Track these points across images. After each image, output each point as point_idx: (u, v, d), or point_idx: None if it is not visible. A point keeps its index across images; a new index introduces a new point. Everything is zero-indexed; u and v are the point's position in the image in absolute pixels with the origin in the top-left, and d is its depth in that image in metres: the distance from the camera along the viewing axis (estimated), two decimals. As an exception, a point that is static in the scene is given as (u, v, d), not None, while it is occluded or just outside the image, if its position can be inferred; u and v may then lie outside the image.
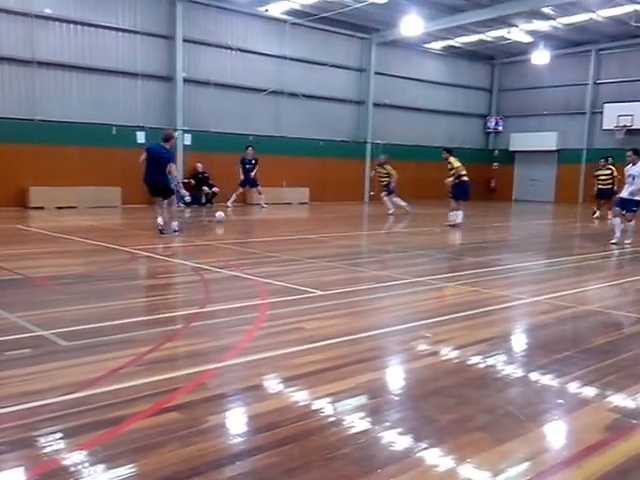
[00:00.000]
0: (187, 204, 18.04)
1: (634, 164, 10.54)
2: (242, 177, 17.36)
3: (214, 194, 18.52)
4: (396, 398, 3.22)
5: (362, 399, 3.13)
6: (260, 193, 17.75)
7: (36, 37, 15.74)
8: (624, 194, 10.56)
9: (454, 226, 12.95)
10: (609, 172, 15.66)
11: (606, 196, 15.50)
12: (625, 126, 22.64)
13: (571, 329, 4.93)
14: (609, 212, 15.14)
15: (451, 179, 13.28)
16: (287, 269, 7.30)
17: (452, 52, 24.41)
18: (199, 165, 18.39)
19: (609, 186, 15.58)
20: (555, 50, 22.58)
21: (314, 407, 3.00)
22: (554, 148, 24.84)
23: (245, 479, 2.32)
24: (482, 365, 3.73)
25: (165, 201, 10.54)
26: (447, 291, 6.11)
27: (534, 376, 3.56)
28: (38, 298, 5.43)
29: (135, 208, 16.56)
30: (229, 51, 19.11)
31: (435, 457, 2.51)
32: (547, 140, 24.78)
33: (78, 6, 16.28)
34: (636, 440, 2.72)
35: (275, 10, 19.22)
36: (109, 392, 3.10)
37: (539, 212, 20.20)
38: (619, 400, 3.19)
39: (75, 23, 16.33)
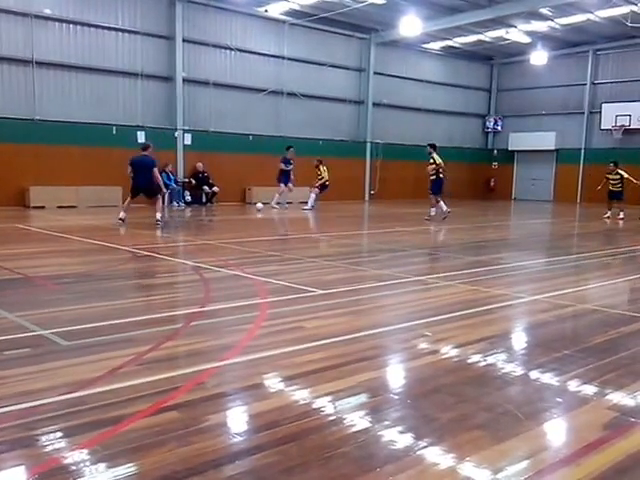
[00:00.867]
0: (188, 203, 18.12)
1: None
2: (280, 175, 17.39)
3: (214, 193, 18.55)
4: (396, 397, 3.22)
5: (362, 398, 3.13)
6: (281, 193, 17.43)
7: (36, 37, 15.75)
8: None
9: (430, 219, 14.24)
10: (618, 177, 16.33)
11: (616, 197, 16.40)
12: (623, 126, 22.68)
13: (570, 328, 4.94)
14: (620, 213, 15.96)
15: (433, 173, 14.46)
16: (288, 268, 7.31)
17: (451, 52, 24.43)
18: (199, 165, 18.42)
19: (619, 188, 16.34)
20: (553, 50, 22.62)
21: (314, 406, 3.00)
22: (553, 148, 24.88)
23: (244, 478, 2.32)
24: (482, 363, 3.73)
25: (153, 199, 12.30)
26: (447, 290, 6.11)
27: (533, 374, 3.56)
28: (38, 297, 5.43)
29: (135, 207, 16.50)
30: (228, 51, 19.13)
31: (434, 456, 2.51)
32: (546, 140, 24.82)
33: (77, 6, 16.30)
34: (635, 438, 2.72)
35: (274, 10, 19.22)
36: (108, 391, 3.10)
37: (538, 211, 20.21)
38: (618, 398, 3.19)
39: (75, 23, 16.34)
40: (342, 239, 10.59)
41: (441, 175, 14.54)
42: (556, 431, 2.88)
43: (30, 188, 15.78)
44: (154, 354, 3.75)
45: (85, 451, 2.47)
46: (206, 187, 18.47)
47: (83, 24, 16.46)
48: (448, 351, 4.00)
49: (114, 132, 17.20)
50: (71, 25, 16.32)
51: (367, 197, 22.93)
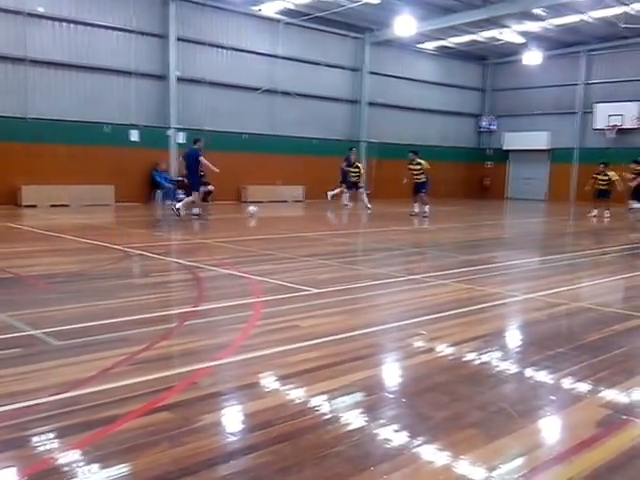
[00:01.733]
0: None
1: None
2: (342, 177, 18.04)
3: (209, 192, 18.47)
4: (391, 395, 3.21)
5: (357, 397, 3.12)
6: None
7: (29, 35, 15.65)
8: None
9: (416, 215, 15.10)
10: (607, 178, 16.59)
11: (604, 196, 16.70)
12: (615, 126, 22.78)
13: (564, 326, 4.95)
14: (605, 212, 16.26)
15: (420, 174, 15.38)
16: (282, 267, 7.29)
17: (445, 52, 24.46)
18: (193, 164, 18.32)
19: (607, 188, 16.65)
20: (546, 51, 22.67)
21: (308, 405, 2.99)
22: (546, 147, 24.96)
23: (238, 478, 2.31)
24: (476, 362, 3.74)
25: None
26: (442, 289, 6.11)
27: (527, 372, 3.56)
28: (30, 297, 5.40)
29: (128, 206, 16.51)
30: (223, 50, 19.08)
31: (429, 454, 2.51)
32: (539, 139, 24.90)
33: (71, 4, 16.21)
34: (627, 435, 2.73)
35: (268, 9, 19.18)
36: (101, 392, 3.08)
37: (532, 210, 20.27)
38: (611, 396, 3.20)
39: (68, 22, 16.25)
40: (337, 238, 10.59)
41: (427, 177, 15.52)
42: (549, 429, 2.88)
43: (22, 187, 15.68)
44: (147, 354, 3.72)
45: (77, 452, 2.45)
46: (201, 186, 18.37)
47: (76, 22, 16.37)
48: (442, 350, 4.00)
49: (107, 130, 17.12)
50: (64, 23, 16.23)
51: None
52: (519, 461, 2.46)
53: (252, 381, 3.31)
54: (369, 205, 16.89)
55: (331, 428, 2.73)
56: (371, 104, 22.78)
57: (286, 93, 20.41)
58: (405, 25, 17.98)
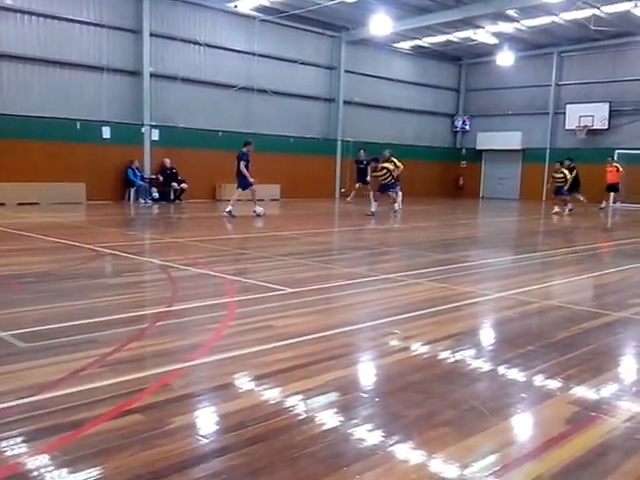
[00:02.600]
0: (155, 200, 17.86)
1: None
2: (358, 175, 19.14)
3: (183, 190, 18.32)
4: (365, 395, 3.22)
5: (331, 397, 3.12)
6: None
7: (-4, 29, 15.31)
8: None
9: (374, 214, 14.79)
10: (562, 175, 17.55)
11: (559, 193, 17.69)
12: (586, 126, 23.22)
13: (535, 324, 5.02)
14: (555, 207, 17.41)
15: (388, 175, 15.19)
16: (257, 266, 7.26)
17: (420, 52, 24.63)
18: (167, 160, 18.17)
19: (562, 184, 17.57)
20: (519, 52, 23.01)
21: (282, 406, 2.97)
22: (519, 147, 25.32)
23: (210, 480, 2.29)
24: (449, 360, 3.77)
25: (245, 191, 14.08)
26: (416, 287, 6.15)
27: (499, 371, 3.61)
28: (-2, 298, 5.28)
29: (100, 204, 16.27)
30: (197, 46, 18.91)
31: (402, 453, 2.52)
32: (512, 139, 25.25)
33: (41, -2, 15.89)
34: (595, 432, 2.78)
35: (244, 6, 19.08)
36: (70, 394, 3.02)
37: (505, 209, 20.55)
38: (580, 393, 3.26)
39: (38, 15, 15.92)
40: (312, 237, 10.58)
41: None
42: (520, 426, 2.92)
43: (-10, 185, 15.35)
44: (118, 355, 3.67)
45: (46, 456, 2.40)
46: (175, 184, 18.22)
47: (46, 16, 16.05)
48: (416, 348, 4.03)
49: (78, 127, 16.83)
50: (34, 17, 15.89)
51: (338, 195, 22.94)
52: (491, 458, 2.48)
53: (225, 382, 3.28)
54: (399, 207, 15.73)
55: (305, 428, 2.72)
56: (347, 103, 22.82)
57: (262, 91, 20.32)
58: (381, 24, 18.06)
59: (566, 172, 17.57)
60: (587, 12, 18.82)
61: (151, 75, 17.86)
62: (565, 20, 20.02)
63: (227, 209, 13.52)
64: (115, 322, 4.47)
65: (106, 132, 17.31)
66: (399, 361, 3.75)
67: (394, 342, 4.18)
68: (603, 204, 19.77)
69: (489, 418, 2.88)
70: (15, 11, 15.58)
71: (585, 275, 7.33)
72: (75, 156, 16.60)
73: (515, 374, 3.55)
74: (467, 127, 27.24)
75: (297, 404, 2.99)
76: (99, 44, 17.04)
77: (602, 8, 18.41)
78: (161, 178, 18.16)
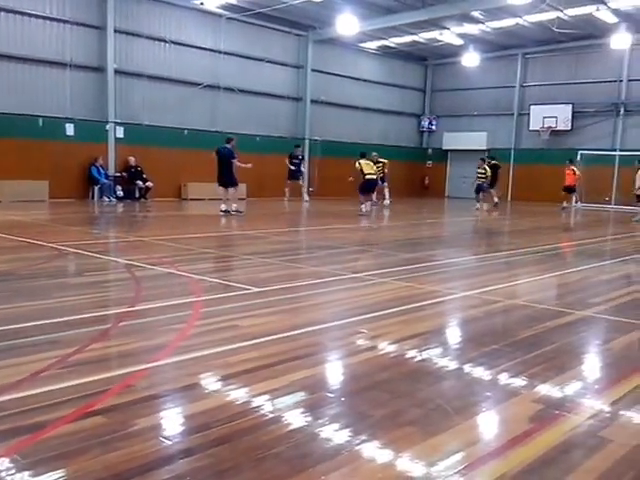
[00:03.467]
0: (119, 199, 17.54)
1: None
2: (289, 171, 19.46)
3: (148, 189, 18.03)
4: (331, 395, 3.21)
5: (296, 397, 3.10)
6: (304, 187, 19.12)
7: (-47, 21, 14.81)
8: None
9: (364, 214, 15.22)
10: (483, 171, 18.89)
11: (480, 189, 18.91)
12: (550, 127, 23.73)
13: (499, 323, 5.10)
14: (477, 204, 18.56)
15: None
16: (223, 266, 7.19)
17: (387, 52, 24.79)
18: (131, 159, 17.86)
19: (483, 181, 18.91)
20: (484, 53, 23.38)
21: (247, 406, 2.95)
22: (484, 147, 25.68)
23: (174, 483, 2.25)
24: (416, 359, 3.79)
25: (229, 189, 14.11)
26: (382, 287, 6.18)
27: (464, 369, 3.64)
28: (-47, 298, 5.10)
29: (63, 202, 15.90)
30: (163, 43, 18.63)
31: (368, 452, 2.52)
32: (477, 140, 25.62)
33: (0, -10, 15.43)
34: (558, 430, 2.83)
35: (210, 4, 18.88)
36: (30, 396, 2.94)
37: (470, 209, 20.82)
38: (543, 391, 3.31)
39: (-2, 9, 15.47)
40: (279, 236, 10.54)
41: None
42: (485, 425, 2.95)
43: (-53, 181, 14.84)
44: (80, 356, 3.58)
45: (4, 460, 2.32)
46: (140, 182, 17.92)
47: (7, 11, 15.58)
48: (383, 348, 4.04)
49: (41, 124, 16.41)
50: (-7, 10, 15.45)
51: (305, 195, 22.89)
52: (456, 457, 2.50)
53: (190, 383, 3.24)
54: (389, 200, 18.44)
55: (270, 429, 2.70)
56: (314, 102, 22.81)
57: (228, 89, 20.16)
58: (347, 24, 18.13)
59: (487, 169, 18.79)
60: (551, 14, 19.21)
61: (116, 72, 17.52)
62: (529, 22, 20.41)
63: (233, 209, 14.00)
64: (77, 322, 4.37)
65: (70, 129, 16.93)
66: (365, 360, 3.76)
67: (360, 341, 4.19)
68: (564, 204, 20.24)
69: (454, 417, 2.90)
70: (-27, 3, 15.12)
71: (548, 274, 7.48)
72: (38, 153, 16.17)
73: (480, 373, 3.59)
74: (433, 127, 27.54)
75: (263, 404, 2.97)
76: (62, 40, 16.64)
77: (565, 11, 18.82)
78: (126, 176, 17.85)
